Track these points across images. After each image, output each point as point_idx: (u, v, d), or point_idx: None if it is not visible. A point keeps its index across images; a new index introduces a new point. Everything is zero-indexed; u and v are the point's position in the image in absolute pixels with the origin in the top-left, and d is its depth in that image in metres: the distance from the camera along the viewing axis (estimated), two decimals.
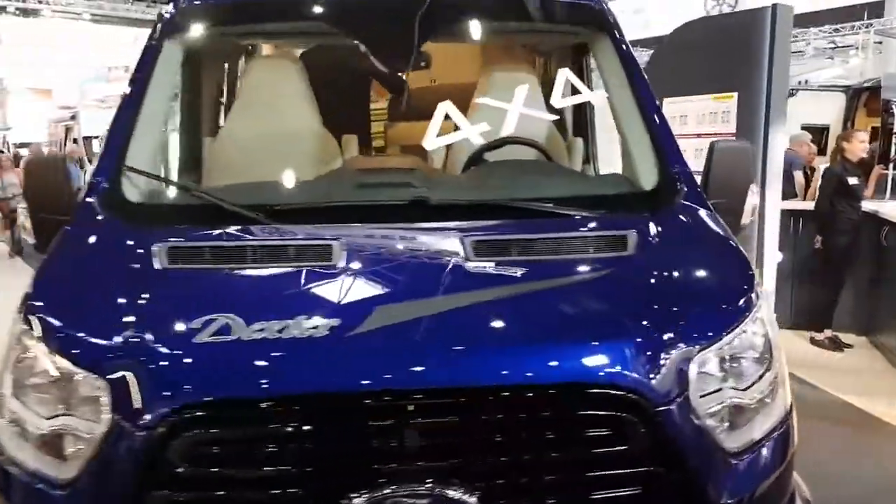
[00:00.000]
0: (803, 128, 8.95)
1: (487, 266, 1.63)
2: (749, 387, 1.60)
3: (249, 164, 2.48)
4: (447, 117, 2.21)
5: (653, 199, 2.11)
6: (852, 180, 5.71)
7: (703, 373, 1.51)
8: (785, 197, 7.29)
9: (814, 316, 6.05)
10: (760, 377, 1.64)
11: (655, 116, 2.40)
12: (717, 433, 1.49)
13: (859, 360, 5.57)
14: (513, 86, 2.57)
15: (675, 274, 1.71)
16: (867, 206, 5.91)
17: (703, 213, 2.07)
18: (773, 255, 5.03)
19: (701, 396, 1.49)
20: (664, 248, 1.82)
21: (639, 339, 1.47)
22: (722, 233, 1.98)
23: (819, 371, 5.28)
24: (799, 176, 7.43)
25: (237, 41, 2.86)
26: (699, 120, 5.24)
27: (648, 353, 1.45)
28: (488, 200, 1.97)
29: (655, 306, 1.57)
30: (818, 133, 9.15)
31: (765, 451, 1.60)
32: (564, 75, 2.48)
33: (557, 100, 2.41)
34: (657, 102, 2.50)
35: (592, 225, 1.91)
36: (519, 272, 1.61)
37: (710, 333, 1.55)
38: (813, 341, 5.96)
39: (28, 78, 25.21)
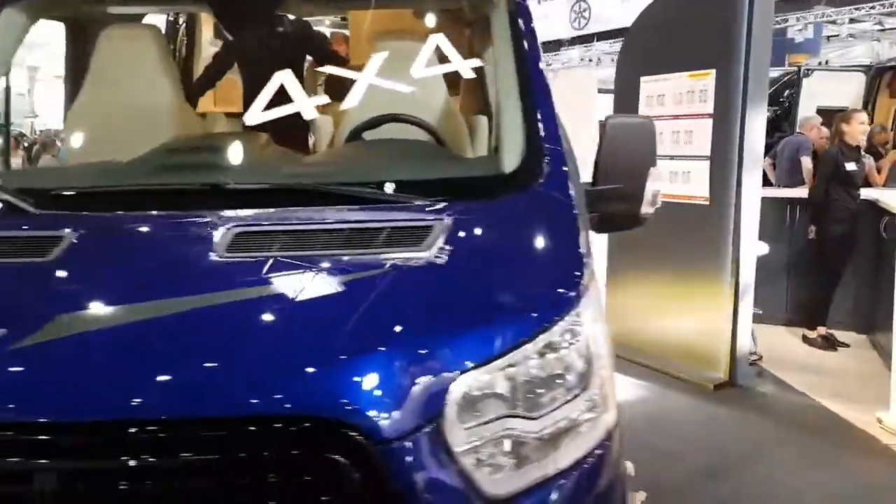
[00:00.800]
0: (819, 110, 8.42)
1: (234, 264, 1.36)
2: (547, 413, 1.30)
3: (97, 142, 2.26)
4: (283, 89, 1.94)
5: (505, 183, 1.82)
6: (849, 166, 5.25)
7: (470, 399, 1.22)
8: (793, 184, 6.87)
9: (807, 312, 5.63)
10: (569, 400, 1.35)
11: (534, 89, 2.09)
12: (481, 474, 1.20)
13: (852, 361, 5.15)
14: (403, 58, 2.31)
15: (466, 277, 1.41)
16: (866, 193, 5.45)
17: (553, 201, 1.76)
18: (751, 247, 4.64)
19: (466, 428, 1.21)
20: (470, 244, 1.52)
21: (373, 359, 1.18)
22: (559, 226, 1.68)
23: (804, 373, 4.89)
24: (807, 161, 6.95)
25: (88, 8, 2.64)
26: (676, 100, 4.86)
27: (384, 375, 1.16)
28: (288, 184, 1.70)
29: (419, 316, 1.28)
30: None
31: (565, 489, 1.30)
32: (436, 42, 2.19)
33: (419, 70, 2.12)
34: (545, 75, 2.18)
35: (402, 215, 1.62)
36: (269, 272, 1.33)
37: (488, 350, 1.25)
38: (805, 339, 5.54)
39: (58, 66, 25.52)
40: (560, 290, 1.44)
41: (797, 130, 7.76)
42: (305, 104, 1.90)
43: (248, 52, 3.46)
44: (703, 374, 4.69)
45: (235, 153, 1.96)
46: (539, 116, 2.03)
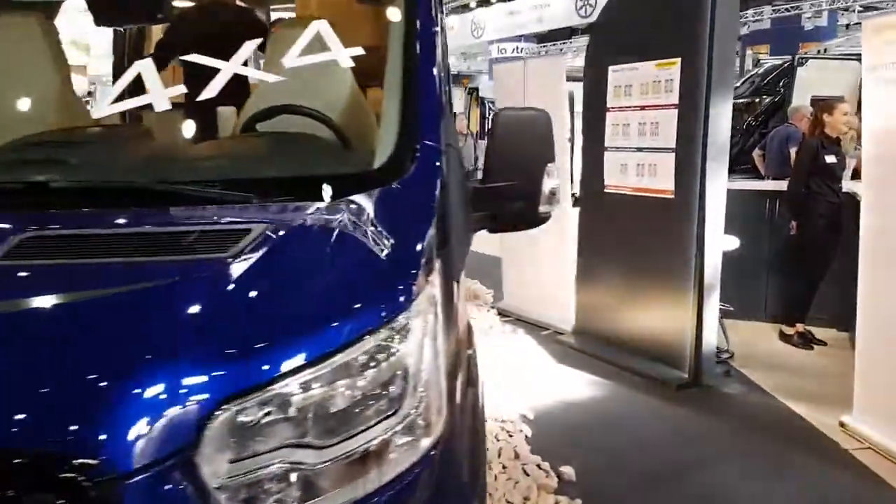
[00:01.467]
0: (813, 99, 8.17)
1: (8, 272, 1.25)
2: (342, 440, 1.18)
3: None
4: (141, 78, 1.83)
5: (360, 181, 1.70)
6: (829, 158, 5.05)
7: (238, 426, 1.10)
8: (782, 176, 6.66)
9: (786, 308, 5.46)
10: (374, 424, 1.23)
11: (418, 78, 1.96)
12: None
13: (826, 361, 4.97)
14: (304, 44, 2.19)
15: (265, 286, 1.28)
16: (848, 186, 5.25)
17: (407, 200, 1.64)
18: (716, 242, 4.48)
19: (231, 461, 1.09)
20: (286, 249, 1.40)
21: (114, 383, 1.06)
22: (402, 228, 1.55)
23: (774, 372, 4.73)
24: (795, 153, 6.73)
25: None
26: (642, 90, 4.69)
27: (124, 402, 1.03)
28: (114, 184, 1.59)
29: (186, 332, 1.16)
30: None
31: None
32: (316, 28, 2.06)
33: (291, 60, 2.00)
34: (438, 64, 2.05)
35: (225, 217, 1.51)
36: (34, 283, 1.22)
37: (269, 369, 1.13)
38: (782, 336, 5.37)
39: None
40: (379, 300, 1.32)
41: (787, 121, 7.53)
42: (155, 96, 1.78)
43: (187, 39, 3.36)
44: (667, 373, 4.55)
45: (80, 149, 1.85)
46: (417, 108, 1.91)
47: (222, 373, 1.11)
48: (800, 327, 5.31)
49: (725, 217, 4.83)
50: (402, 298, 1.36)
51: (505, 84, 5.86)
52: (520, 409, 4.06)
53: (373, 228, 1.52)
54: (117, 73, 4.42)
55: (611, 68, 4.91)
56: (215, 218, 1.53)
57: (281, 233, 1.44)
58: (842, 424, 3.85)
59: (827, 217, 5.09)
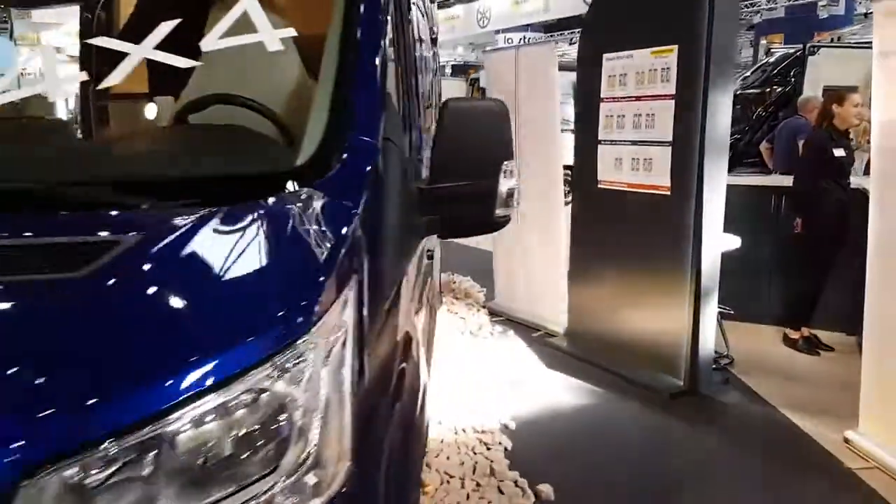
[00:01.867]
0: (826, 89, 7.84)
1: None
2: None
3: None
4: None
5: (274, 182, 1.46)
6: (838, 152, 4.75)
7: (67, 492, 0.88)
8: (790, 170, 6.35)
9: (790, 311, 5.17)
10: (256, 480, 1.00)
11: (356, 68, 1.72)
12: None
13: (833, 368, 4.69)
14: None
15: (118, 315, 1.04)
16: (857, 182, 4.96)
17: (323, 205, 1.40)
18: (714, 241, 4.21)
19: None
20: (151, 269, 1.16)
21: None
22: (308, 237, 1.32)
23: (776, 380, 4.46)
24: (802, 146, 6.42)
25: None
26: (638, 79, 4.41)
27: None
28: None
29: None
30: None
31: None
32: (243, 8, 1.82)
33: (210, 43, 1.75)
34: (379, 51, 1.80)
35: (98, 227, 1.28)
36: None
37: (106, 419, 0.91)
38: (786, 340, 5.10)
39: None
40: (264, 328, 1.08)
41: (796, 113, 7.21)
42: (49, 84, 1.54)
43: (152, 21, 3.13)
44: (661, 381, 4.29)
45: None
46: (351, 100, 1.66)
47: (45, 428, 0.88)
48: (805, 331, 5.03)
49: (728, 214, 4.55)
50: (297, 324, 1.13)
51: (497, 74, 5.60)
52: (502, 418, 3.83)
53: (273, 238, 1.29)
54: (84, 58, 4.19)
55: (605, 56, 4.62)
56: (83, 228, 1.29)
57: (153, 247, 1.21)
58: (846, 440, 3.59)
59: (834, 214, 4.80)
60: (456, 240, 8.86)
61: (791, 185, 5.14)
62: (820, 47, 8.38)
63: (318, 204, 1.40)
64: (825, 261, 4.89)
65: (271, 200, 1.38)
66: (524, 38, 20.37)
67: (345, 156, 1.54)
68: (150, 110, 2.27)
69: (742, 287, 5.33)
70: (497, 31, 21.20)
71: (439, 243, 4.85)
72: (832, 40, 10.23)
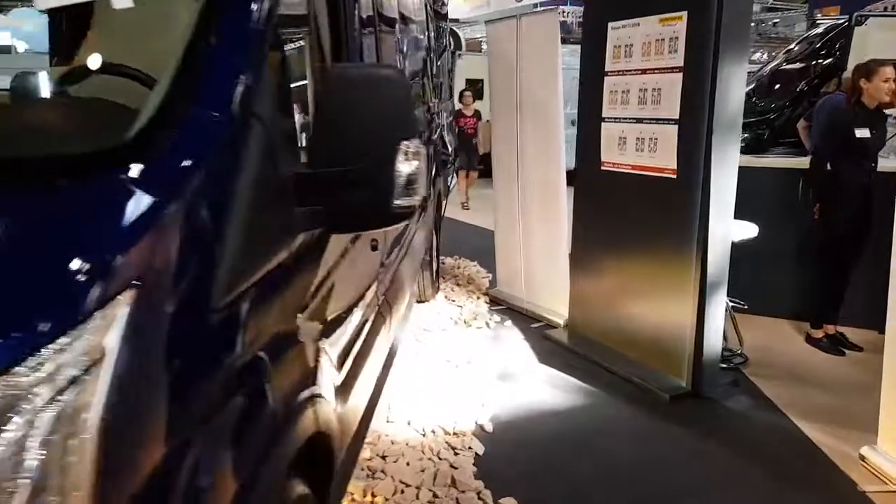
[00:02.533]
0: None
1: None
2: None
3: None
4: None
5: (84, 165, 1.17)
6: (861, 132, 4.27)
7: None
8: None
9: (812, 306, 4.73)
10: None
11: (210, 25, 1.41)
12: None
13: (857, 371, 4.25)
14: None
15: None
16: (885, 165, 4.46)
17: (122, 193, 1.12)
18: (723, 229, 3.80)
19: None
20: None
21: None
22: (92, 232, 1.04)
23: (792, 383, 4.06)
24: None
25: None
26: (644, 50, 4.00)
27: None
28: None
29: None
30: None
31: None
32: None
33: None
34: (248, 16, 1.49)
35: None
36: None
37: None
38: (808, 339, 4.66)
39: None
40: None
41: (839, 88, 6.62)
42: None
43: None
44: (662, 381, 3.93)
45: None
46: (201, 66, 1.36)
47: None
48: (830, 328, 4.60)
49: (749, 199, 4.14)
50: (29, 348, 0.85)
51: (498, 47, 5.22)
52: (479, 419, 3.53)
53: (48, 235, 1.01)
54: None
55: (610, 25, 4.22)
56: None
57: None
58: (862, 458, 3.19)
59: (855, 200, 4.33)
60: (467, 221, 8.54)
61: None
62: (868, 16, 7.69)
63: (126, 189, 1.11)
64: (845, 251, 4.43)
65: (82, 184, 1.10)
66: (562, 11, 19.68)
67: (178, 131, 1.25)
68: (34, 82, 2.02)
69: (763, 278, 4.93)
70: (535, 6, 20.54)
71: (426, 228, 4.55)
72: (886, 9, 9.47)
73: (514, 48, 4.93)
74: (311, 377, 1.60)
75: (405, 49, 4.28)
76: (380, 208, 1.52)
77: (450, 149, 6.71)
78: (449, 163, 6.60)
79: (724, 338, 4.38)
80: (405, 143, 1.52)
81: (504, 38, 5.05)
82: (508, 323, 5.01)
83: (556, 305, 4.96)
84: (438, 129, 5.89)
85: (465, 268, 6.34)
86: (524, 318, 5.09)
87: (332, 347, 1.80)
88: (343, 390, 1.88)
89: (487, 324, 4.95)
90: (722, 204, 3.77)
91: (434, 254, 5.23)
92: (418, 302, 5.23)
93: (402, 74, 1.53)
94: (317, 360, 1.65)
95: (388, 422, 3.46)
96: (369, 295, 2.40)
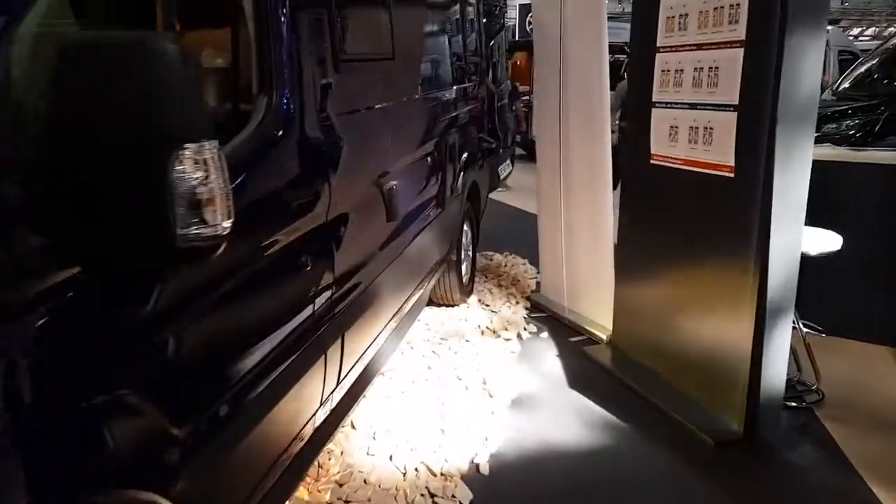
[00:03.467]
0: None
1: None
2: None
3: None
4: None
5: None
6: None
7: None
8: None
9: None
10: None
11: None
12: None
13: None
14: None
15: None
16: None
17: None
18: (790, 240, 3.09)
19: None
20: None
21: None
22: None
23: (875, 430, 3.29)
24: None
25: None
26: (701, 21, 3.30)
27: None
28: None
29: None
30: None
31: None
32: None
33: None
34: None
35: None
36: None
37: None
38: None
39: None
40: None
41: None
42: None
43: None
44: (710, 420, 3.28)
45: None
46: None
47: None
48: None
49: (836, 203, 3.39)
50: None
51: (541, 22, 4.59)
52: (477, 456, 3.02)
53: None
54: None
55: None
56: None
57: None
58: None
59: None
60: (524, 209, 7.88)
61: None
62: None
63: None
64: None
65: None
66: None
67: None
68: None
69: (851, 297, 4.13)
70: None
71: (446, 225, 4.05)
72: None
73: (558, 21, 4.30)
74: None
75: (432, 28, 3.83)
76: (153, 241, 1.05)
77: (501, 136, 6.14)
78: (499, 150, 6.03)
79: (798, 368, 3.67)
80: (189, 146, 1.03)
81: (547, 8, 4.43)
82: (545, 335, 4.44)
83: (600, 316, 4.35)
84: (485, 115, 5.35)
85: (513, 266, 5.78)
86: (564, 330, 4.50)
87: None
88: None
89: (520, 335, 4.40)
90: (788, 209, 3.05)
91: (463, 253, 4.71)
92: (447, 306, 4.74)
93: (173, 43, 1.04)
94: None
95: (367, 454, 3.01)
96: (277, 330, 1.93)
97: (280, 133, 1.94)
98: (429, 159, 3.62)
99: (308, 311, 2.08)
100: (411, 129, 3.43)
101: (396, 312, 3.21)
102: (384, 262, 2.88)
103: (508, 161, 6.51)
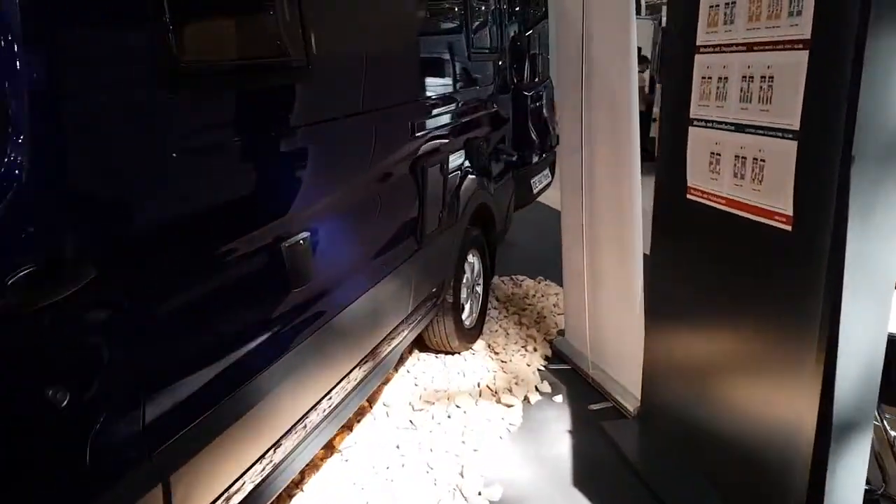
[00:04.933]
0: None
1: None
2: None
3: None
4: None
5: None
6: None
7: None
8: None
9: None
10: None
11: None
12: None
13: None
14: None
15: None
16: None
17: None
18: (871, 321, 2.19)
19: None
20: None
21: None
22: None
23: None
24: None
25: None
26: (752, 12, 2.41)
27: None
28: None
29: None
30: None
31: None
32: None
33: None
34: None
35: None
36: None
37: None
38: None
39: None
40: None
41: None
42: None
43: None
44: None
45: None
46: None
47: None
48: None
49: None
50: None
51: (563, 11, 3.73)
52: None
53: None
54: None
55: None
56: None
57: None
58: None
59: None
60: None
61: None
62: None
63: None
64: None
65: None
66: None
67: None
68: None
69: None
70: None
71: (434, 257, 3.31)
72: None
73: (581, 14, 3.45)
74: None
75: (398, 22, 3.04)
76: None
77: (538, 142, 5.30)
78: (531, 159, 5.20)
79: (883, 477, 2.77)
80: None
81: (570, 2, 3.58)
82: (559, 398, 3.62)
83: (627, 377, 3.51)
84: (507, 122, 4.55)
85: (543, 297, 4.95)
86: (586, 391, 3.68)
87: None
88: None
89: (528, 398, 3.60)
90: (867, 279, 2.14)
91: (465, 291, 3.95)
92: (444, 353, 4.01)
93: None
94: None
95: None
96: None
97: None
98: (384, 190, 2.85)
99: None
100: (338, 160, 2.51)
101: (326, 395, 2.49)
102: (286, 347, 2.18)
103: (547, 171, 5.65)
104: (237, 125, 1.97)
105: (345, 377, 2.65)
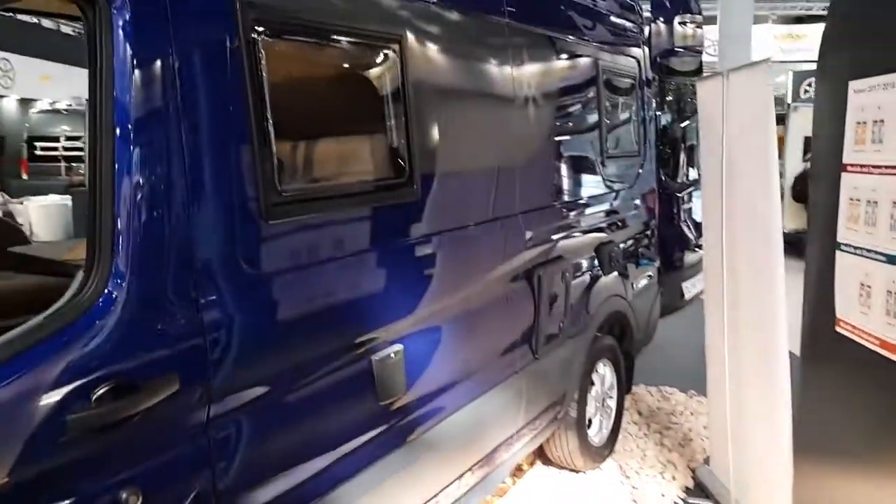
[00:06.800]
0: None
1: None
2: None
3: None
4: None
5: None
6: None
7: None
8: None
9: None
10: None
11: None
12: None
13: None
14: None
15: None
16: None
17: None
18: None
19: None
20: None
21: None
22: None
23: None
24: None
25: None
26: None
27: None
28: None
29: None
30: None
31: None
32: None
33: None
34: None
35: None
36: None
37: None
38: None
39: None
40: None
41: None
42: None
43: None
44: None
45: None
46: None
47: None
48: None
49: None
50: None
51: (707, 111, 3.51)
52: None
53: None
54: None
55: (851, 86, 2.37)
56: None
57: None
58: None
59: None
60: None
61: None
62: None
63: None
64: None
65: None
66: None
67: None
68: None
69: None
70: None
71: (556, 364, 3.17)
72: None
73: (720, 112, 3.24)
74: None
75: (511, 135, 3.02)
76: None
77: (694, 240, 5.00)
78: (683, 262, 4.90)
79: None
80: None
81: (711, 100, 3.38)
82: None
83: None
84: (648, 225, 4.35)
85: (691, 415, 4.54)
86: None
87: None
88: None
89: None
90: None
91: (593, 405, 3.72)
92: (567, 469, 3.77)
93: None
94: None
95: None
96: None
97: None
98: (492, 302, 2.78)
99: None
100: (441, 274, 2.49)
101: None
102: (373, 459, 2.16)
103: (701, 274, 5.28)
104: (334, 245, 2.06)
105: (441, 491, 2.57)
